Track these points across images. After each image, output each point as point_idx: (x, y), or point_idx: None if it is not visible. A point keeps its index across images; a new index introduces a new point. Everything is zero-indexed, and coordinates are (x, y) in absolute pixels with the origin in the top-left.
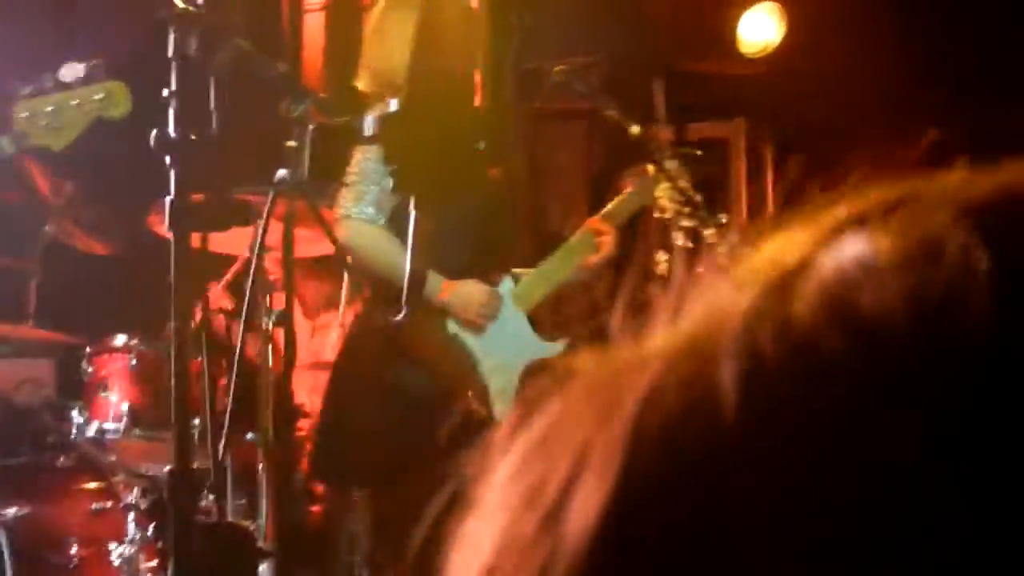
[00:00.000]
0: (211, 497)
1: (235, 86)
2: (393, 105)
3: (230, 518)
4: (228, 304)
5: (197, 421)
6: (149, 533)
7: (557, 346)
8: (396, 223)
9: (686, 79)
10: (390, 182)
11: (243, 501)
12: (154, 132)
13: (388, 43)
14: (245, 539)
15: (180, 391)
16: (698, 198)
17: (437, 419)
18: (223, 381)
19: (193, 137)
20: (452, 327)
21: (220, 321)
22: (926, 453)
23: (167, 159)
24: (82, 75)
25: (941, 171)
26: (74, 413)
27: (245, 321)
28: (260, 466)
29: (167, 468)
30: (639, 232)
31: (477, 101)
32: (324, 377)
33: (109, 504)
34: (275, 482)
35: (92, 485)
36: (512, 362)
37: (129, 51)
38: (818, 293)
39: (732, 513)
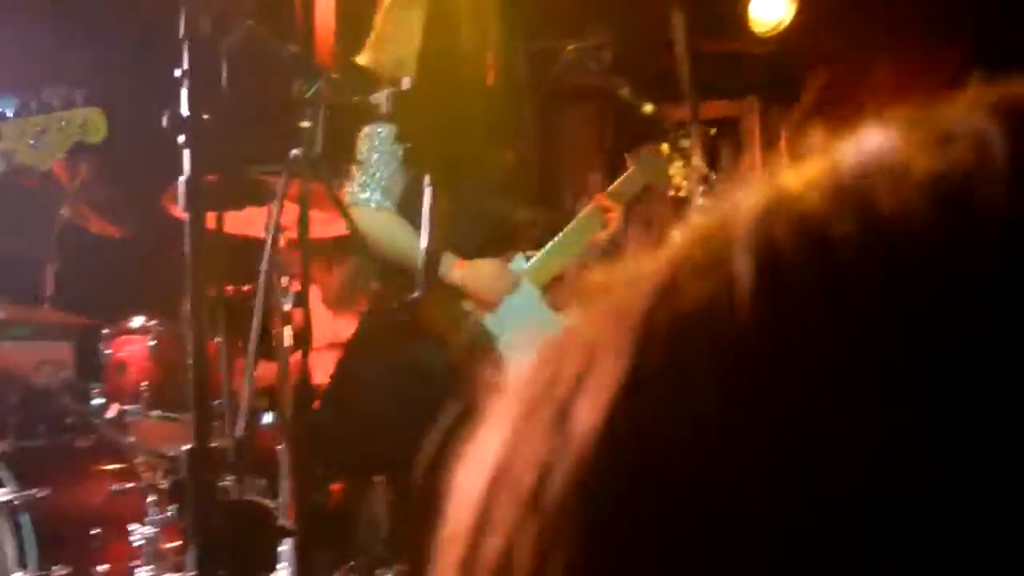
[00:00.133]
0: (230, 477)
1: (247, 66)
2: (405, 83)
3: (249, 498)
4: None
5: (217, 402)
6: (170, 514)
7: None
8: (410, 203)
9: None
10: (398, 166)
11: (263, 481)
12: (167, 113)
13: (399, 22)
14: (265, 518)
15: (198, 371)
16: (713, 176)
17: (453, 397)
18: (241, 362)
19: (206, 117)
20: (467, 305)
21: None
22: (946, 346)
23: (180, 139)
24: (64, 99)
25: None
26: (93, 395)
27: (261, 302)
28: (279, 447)
29: (185, 447)
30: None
31: (489, 81)
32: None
33: (130, 485)
34: (295, 462)
35: (112, 466)
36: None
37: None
38: (833, 184)
39: (742, 409)
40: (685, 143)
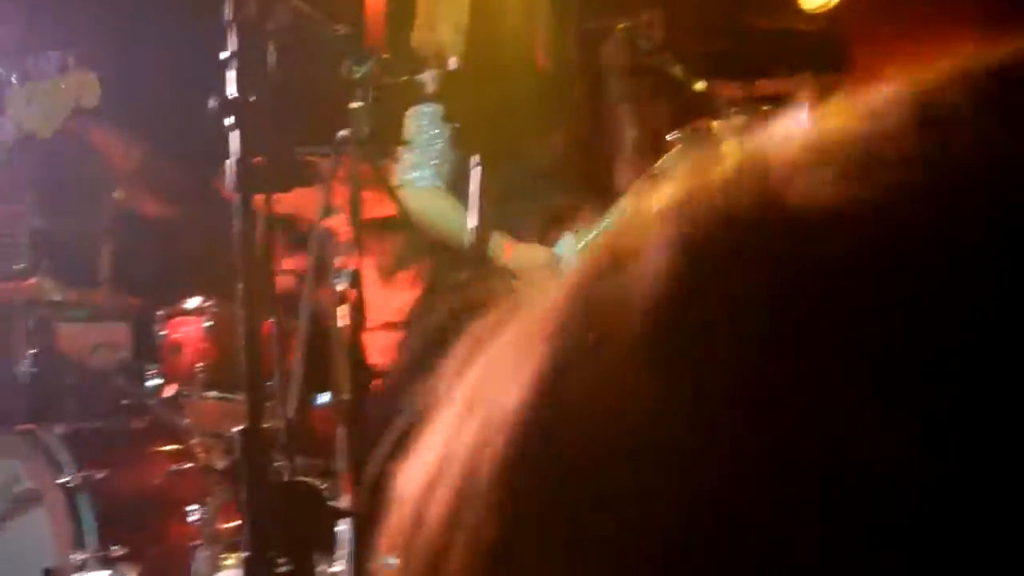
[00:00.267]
0: (284, 457)
1: (294, 48)
2: (452, 63)
3: (305, 478)
4: (299, 266)
5: (271, 383)
6: (227, 494)
7: None
8: (460, 183)
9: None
10: (447, 146)
11: (319, 462)
12: (214, 96)
13: (446, 2)
14: (322, 498)
15: (251, 351)
16: None
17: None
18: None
19: (253, 99)
20: (516, 285)
21: (292, 283)
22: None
23: (228, 122)
24: (60, 64)
25: None
26: (149, 376)
27: (314, 282)
28: (336, 427)
29: (238, 428)
30: None
31: (538, 62)
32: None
33: (186, 466)
34: (350, 443)
35: (169, 447)
36: None
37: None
38: (747, 173)
39: (658, 391)
40: (737, 121)
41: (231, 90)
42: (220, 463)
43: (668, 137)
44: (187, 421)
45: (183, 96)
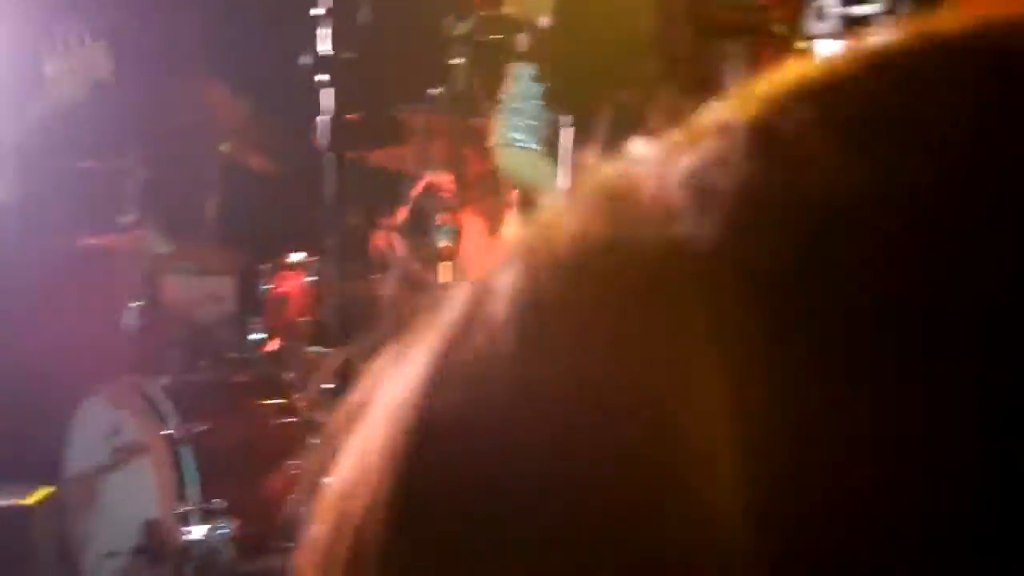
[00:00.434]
0: None
1: (389, 3)
2: (544, 21)
3: None
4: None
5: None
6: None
7: None
8: (553, 144)
9: None
10: (541, 105)
11: None
12: (307, 52)
13: None
14: None
15: (343, 307)
16: None
17: None
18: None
19: (348, 56)
20: None
21: (392, 239)
22: None
23: (320, 79)
24: (80, 37)
25: None
26: (253, 329)
27: (413, 238)
28: None
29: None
30: None
31: (638, 20)
32: None
33: (289, 420)
34: None
35: (272, 401)
36: None
37: None
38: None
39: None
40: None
41: (324, 47)
42: (322, 418)
43: None
44: (290, 375)
45: (282, 51)
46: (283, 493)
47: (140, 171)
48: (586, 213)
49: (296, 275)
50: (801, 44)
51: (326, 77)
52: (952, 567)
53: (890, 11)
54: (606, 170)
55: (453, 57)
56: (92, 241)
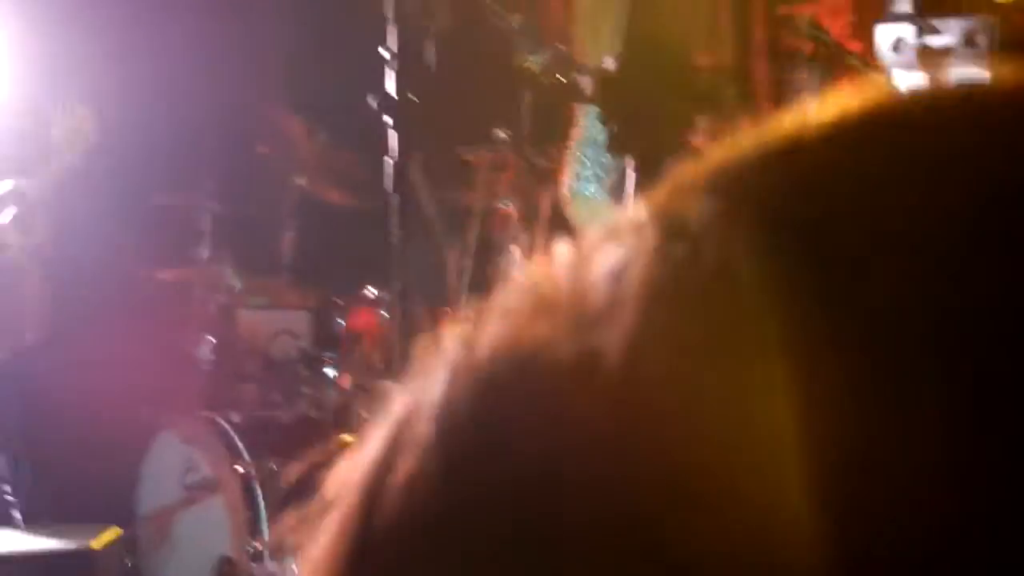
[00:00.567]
0: None
1: (458, 44)
2: (608, 64)
3: None
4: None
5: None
6: None
7: None
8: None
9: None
10: (607, 153)
11: None
12: (374, 93)
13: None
14: None
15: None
16: None
17: None
18: None
19: (413, 98)
20: None
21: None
22: None
23: (387, 120)
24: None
25: None
26: (327, 365)
27: (482, 269)
28: None
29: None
30: None
31: (701, 60)
32: None
33: None
34: None
35: (346, 438)
36: None
37: None
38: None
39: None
40: None
41: (390, 88)
42: None
43: None
44: (365, 412)
45: (357, 88)
46: None
47: (214, 204)
48: (508, 322)
49: (371, 311)
50: (876, 75)
51: (390, 120)
52: None
53: (967, 43)
54: (532, 271)
55: (520, 98)
56: (167, 276)
